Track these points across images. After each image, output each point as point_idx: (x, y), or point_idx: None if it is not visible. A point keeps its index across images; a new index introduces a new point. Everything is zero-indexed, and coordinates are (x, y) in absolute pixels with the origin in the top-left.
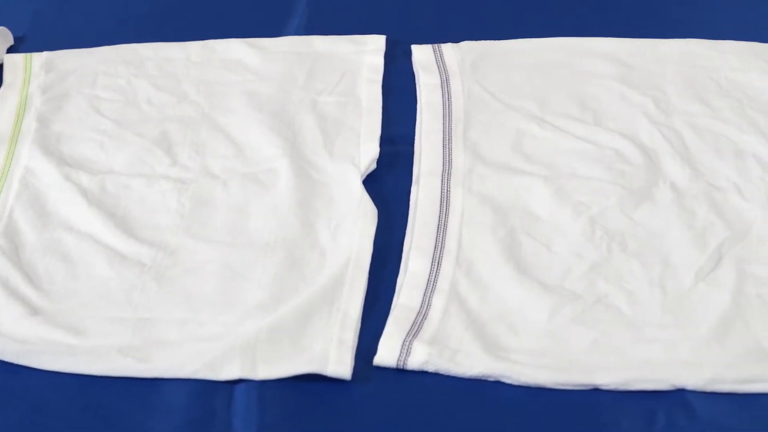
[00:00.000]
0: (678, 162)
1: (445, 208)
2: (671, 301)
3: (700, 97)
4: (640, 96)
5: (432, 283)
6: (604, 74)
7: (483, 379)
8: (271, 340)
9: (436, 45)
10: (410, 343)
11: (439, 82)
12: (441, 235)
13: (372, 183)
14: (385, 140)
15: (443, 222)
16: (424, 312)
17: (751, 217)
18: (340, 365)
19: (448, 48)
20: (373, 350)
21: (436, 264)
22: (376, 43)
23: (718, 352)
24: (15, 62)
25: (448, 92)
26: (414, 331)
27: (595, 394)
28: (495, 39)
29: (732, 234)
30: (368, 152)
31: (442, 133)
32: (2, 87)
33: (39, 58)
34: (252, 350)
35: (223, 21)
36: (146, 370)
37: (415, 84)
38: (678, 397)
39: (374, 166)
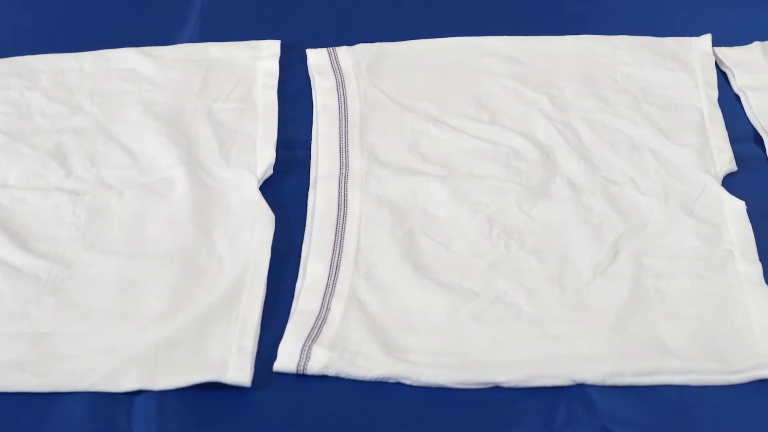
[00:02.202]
0: (574, 157)
1: (342, 211)
2: (570, 297)
3: (595, 93)
4: (535, 93)
5: (331, 287)
6: (500, 73)
7: (384, 381)
8: (170, 349)
9: (331, 48)
10: (310, 347)
11: (335, 85)
12: (339, 239)
13: (270, 188)
14: (281, 145)
15: (341, 225)
16: (323, 316)
17: (648, 210)
18: (239, 372)
19: (343, 51)
20: (274, 356)
21: (335, 268)
22: (271, 48)
23: (617, 345)
24: None
25: (344, 95)
26: (313, 335)
27: (496, 391)
28: (390, 41)
29: (629, 227)
30: (264, 158)
31: (338, 137)
32: None
33: None
34: (151, 361)
35: (116, 30)
36: (44, 385)
37: (311, 88)
38: (578, 391)
39: (271, 171)
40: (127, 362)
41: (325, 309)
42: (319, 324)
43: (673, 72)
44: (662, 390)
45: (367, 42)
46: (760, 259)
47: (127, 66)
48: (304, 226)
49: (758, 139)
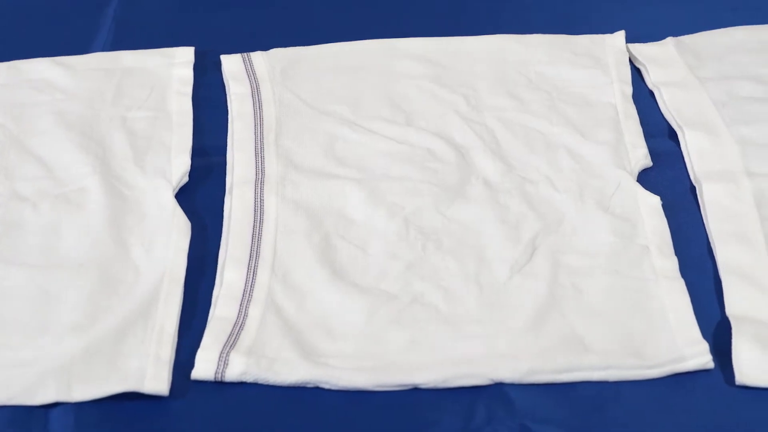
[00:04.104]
0: (490, 157)
1: (259, 217)
2: (487, 296)
3: (510, 92)
4: (450, 94)
5: (248, 293)
6: (415, 74)
7: (302, 386)
8: (87, 360)
9: (245, 54)
10: (227, 354)
11: (250, 91)
12: (256, 245)
13: (186, 196)
14: (197, 152)
15: (257, 231)
16: (240, 323)
17: (564, 207)
18: (156, 381)
19: (257, 56)
20: (192, 364)
21: (252, 273)
22: (185, 55)
23: (535, 343)
24: None
25: (259, 101)
26: (231, 342)
27: (414, 393)
28: (305, 45)
29: (545, 225)
30: (180, 166)
31: (254, 142)
32: None
33: None
34: (67, 372)
35: (28, 40)
36: None
37: (226, 94)
38: (496, 390)
39: (187, 179)
40: (44, 375)
41: (242, 315)
42: (236, 331)
43: (587, 69)
44: (580, 386)
45: (282, 46)
46: (676, 254)
47: (40, 76)
48: (221, 232)
49: (672, 135)
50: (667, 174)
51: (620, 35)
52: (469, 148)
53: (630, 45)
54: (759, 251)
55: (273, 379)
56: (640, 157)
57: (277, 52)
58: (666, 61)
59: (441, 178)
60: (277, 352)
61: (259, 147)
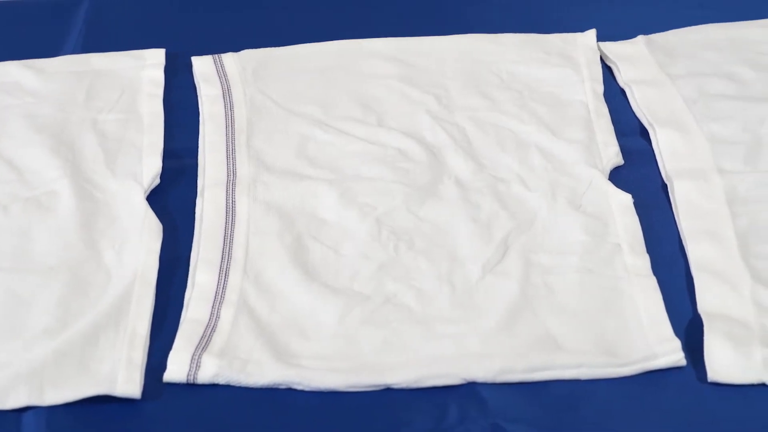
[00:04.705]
0: (461, 156)
1: (231, 219)
2: (460, 296)
3: (482, 91)
4: (421, 94)
5: (220, 294)
6: (385, 74)
7: (275, 387)
8: (58, 364)
9: (216, 55)
10: (199, 357)
11: (221, 92)
12: (228, 246)
13: (157, 198)
14: (168, 154)
15: (229, 232)
16: (213, 324)
17: (536, 206)
18: (128, 384)
19: (228, 58)
20: (164, 366)
21: (224, 275)
22: (156, 57)
23: (507, 342)
24: None
25: (230, 102)
26: (203, 344)
27: (387, 393)
28: (276, 45)
29: (517, 224)
30: (151, 168)
31: (225, 144)
32: None
33: None
34: (38, 376)
35: None
36: None
37: (197, 96)
38: (469, 390)
39: (158, 181)
40: (15, 378)
41: (214, 317)
42: (208, 333)
43: (558, 68)
44: (553, 385)
45: (253, 48)
46: (648, 252)
47: (10, 80)
48: (193, 234)
49: (644, 133)
50: (639, 172)
51: (591, 34)
52: (440, 148)
53: (601, 43)
54: (730, 248)
55: (245, 381)
56: (612, 155)
57: (248, 54)
58: (637, 59)
59: (412, 178)
60: (249, 354)
61: (231, 148)
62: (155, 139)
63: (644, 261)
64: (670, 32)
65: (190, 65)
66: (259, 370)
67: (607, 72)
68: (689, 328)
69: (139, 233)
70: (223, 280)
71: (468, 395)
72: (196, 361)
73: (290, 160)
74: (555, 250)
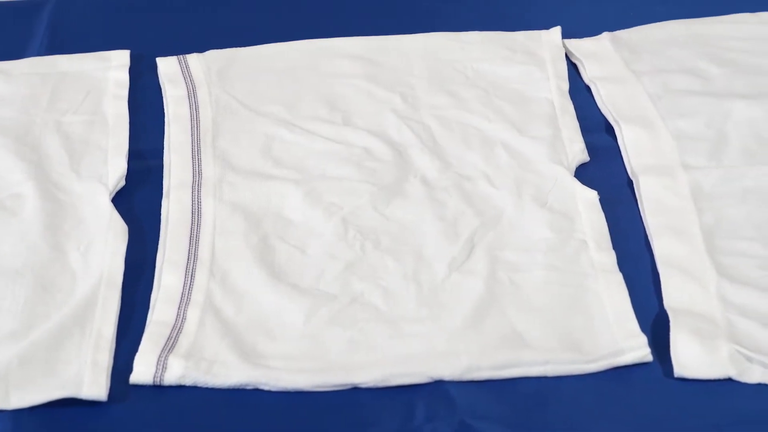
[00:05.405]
0: (427, 155)
1: (196, 220)
2: (426, 294)
3: (447, 90)
4: (387, 93)
5: (186, 296)
6: (351, 74)
7: (242, 387)
8: (24, 367)
9: (181, 56)
10: (166, 358)
11: (186, 93)
12: (194, 247)
13: (122, 200)
14: (134, 156)
15: (195, 233)
16: (179, 326)
17: (502, 203)
18: (94, 387)
19: (193, 58)
20: (131, 369)
21: (190, 276)
22: (120, 58)
23: (474, 340)
24: None
25: (196, 103)
26: (169, 346)
27: (355, 393)
28: (241, 46)
29: (483, 222)
30: (116, 169)
31: (190, 144)
32: None
33: None
34: (4, 379)
35: None
36: None
37: (162, 97)
38: (436, 388)
39: (123, 182)
40: None
41: (180, 318)
42: (174, 334)
43: (523, 65)
44: (520, 382)
45: (219, 48)
46: (614, 248)
47: None
48: (159, 236)
49: (609, 129)
50: (605, 168)
51: (556, 31)
52: (406, 147)
53: (566, 40)
54: (696, 244)
55: (212, 382)
56: (577, 152)
57: (213, 54)
58: (602, 56)
59: (378, 177)
60: (216, 355)
61: (196, 149)
62: (120, 140)
63: (610, 257)
64: (634, 29)
65: (155, 66)
66: (225, 371)
67: (573, 69)
68: (655, 324)
69: (105, 235)
70: (189, 282)
71: (436, 393)
72: (162, 363)
73: (256, 160)
74: (521, 248)
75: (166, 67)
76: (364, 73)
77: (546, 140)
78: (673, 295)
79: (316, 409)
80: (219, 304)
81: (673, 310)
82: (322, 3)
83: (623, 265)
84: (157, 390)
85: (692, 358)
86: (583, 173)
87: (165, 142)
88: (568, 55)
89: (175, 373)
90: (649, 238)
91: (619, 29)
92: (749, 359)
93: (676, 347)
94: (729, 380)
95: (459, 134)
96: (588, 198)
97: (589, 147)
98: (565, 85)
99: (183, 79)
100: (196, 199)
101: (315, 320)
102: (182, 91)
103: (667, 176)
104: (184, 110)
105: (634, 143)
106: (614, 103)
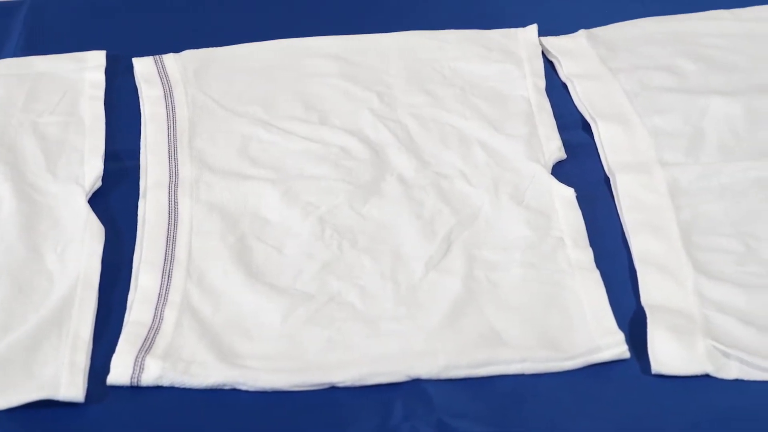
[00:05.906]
0: (404, 154)
1: (173, 220)
2: (403, 293)
3: (424, 89)
4: (364, 92)
5: (163, 296)
6: (328, 73)
7: (220, 388)
8: (1, 369)
9: (157, 56)
10: (143, 359)
11: (162, 93)
12: (170, 248)
13: (99, 200)
14: (110, 157)
15: (172, 234)
16: (156, 326)
17: (479, 202)
18: (71, 388)
19: (169, 59)
20: (108, 370)
21: (167, 277)
22: (96, 59)
23: (452, 338)
24: None
25: (172, 103)
26: (146, 346)
27: (332, 392)
28: (217, 46)
29: (460, 220)
30: (92, 170)
31: (167, 145)
32: None
33: None
34: None
35: None
36: None
37: (138, 97)
38: (414, 387)
39: (100, 183)
40: None
41: (158, 319)
42: (152, 335)
43: (500, 64)
44: (498, 380)
45: (195, 48)
46: (591, 245)
47: None
48: (135, 236)
49: (586, 126)
50: (581, 166)
51: (533, 29)
52: (383, 146)
53: (543, 38)
54: (673, 241)
55: (190, 382)
56: (554, 149)
57: (189, 54)
58: (578, 53)
59: (355, 176)
60: (193, 355)
61: (173, 149)
62: (97, 141)
63: (587, 255)
64: (611, 26)
65: (131, 67)
66: (203, 371)
67: (549, 66)
68: (633, 321)
69: (81, 236)
70: (166, 282)
71: (413, 392)
72: (139, 364)
73: (232, 160)
74: (498, 246)
75: (143, 67)
76: (341, 73)
77: (523, 138)
78: (650, 291)
79: (294, 409)
80: (196, 305)
81: (650, 306)
82: (299, 2)
83: (600, 262)
84: (135, 391)
85: (669, 354)
86: (560, 171)
87: (141, 143)
88: (545, 52)
89: (153, 374)
90: (626, 235)
91: (596, 27)
92: (726, 355)
93: (653, 344)
94: (706, 376)
95: (436, 133)
96: (565, 195)
97: (566, 144)
98: (542, 83)
99: (159, 79)
100: (173, 200)
101: (292, 320)
102: (158, 92)
103: (643, 173)
104: (161, 110)
105: (610, 140)
106: (591, 100)
